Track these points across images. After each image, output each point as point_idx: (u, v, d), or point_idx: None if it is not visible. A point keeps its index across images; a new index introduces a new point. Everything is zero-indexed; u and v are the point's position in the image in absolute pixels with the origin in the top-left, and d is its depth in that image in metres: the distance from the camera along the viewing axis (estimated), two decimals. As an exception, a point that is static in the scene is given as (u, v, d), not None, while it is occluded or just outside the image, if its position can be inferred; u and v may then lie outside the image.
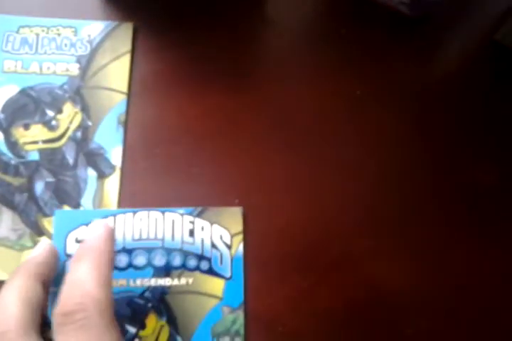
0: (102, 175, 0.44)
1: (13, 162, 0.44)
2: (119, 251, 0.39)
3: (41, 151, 0.44)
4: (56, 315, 0.30)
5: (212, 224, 0.40)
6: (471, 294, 0.44)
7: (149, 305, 0.38)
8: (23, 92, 0.45)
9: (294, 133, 0.47)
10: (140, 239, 0.39)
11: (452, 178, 0.47)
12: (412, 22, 0.51)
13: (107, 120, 0.45)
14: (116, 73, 0.47)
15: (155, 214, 0.40)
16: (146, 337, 0.37)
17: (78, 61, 0.47)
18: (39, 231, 0.42)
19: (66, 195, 0.43)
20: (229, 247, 0.40)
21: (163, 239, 0.39)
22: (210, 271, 0.39)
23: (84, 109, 0.45)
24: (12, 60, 0.46)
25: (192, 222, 0.40)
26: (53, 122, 0.45)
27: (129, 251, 0.39)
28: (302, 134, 0.47)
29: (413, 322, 0.42)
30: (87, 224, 0.40)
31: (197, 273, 0.39)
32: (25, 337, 0.29)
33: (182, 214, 0.40)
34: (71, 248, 0.39)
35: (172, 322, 0.38)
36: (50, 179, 0.43)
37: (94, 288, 0.31)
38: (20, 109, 0.45)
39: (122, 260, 0.39)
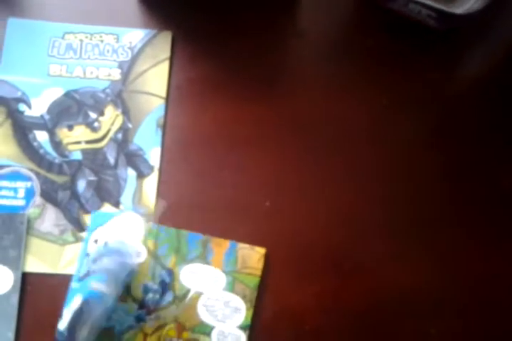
0: (141, 175, 0.46)
1: (57, 161, 0.46)
2: None
3: (84, 151, 0.46)
4: None
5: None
6: (494, 293, 0.46)
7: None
8: (68, 95, 0.48)
9: (319, 140, 0.49)
10: None
11: (470, 182, 0.48)
12: (440, 35, 0.53)
13: (147, 123, 0.47)
14: (155, 79, 0.49)
15: None
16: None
17: (120, 66, 0.49)
18: (80, 227, 0.44)
19: (107, 193, 0.46)
20: None
21: None
22: None
23: (125, 112, 0.48)
24: (57, 64, 0.49)
25: None
26: (96, 124, 0.47)
27: None
28: (327, 141, 0.49)
29: (437, 321, 0.44)
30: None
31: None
32: None
33: None
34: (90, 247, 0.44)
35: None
36: (92, 177, 0.46)
37: None
38: (64, 111, 0.47)
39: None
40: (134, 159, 0.47)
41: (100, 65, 0.49)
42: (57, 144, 0.47)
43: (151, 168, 0.47)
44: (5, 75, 0.48)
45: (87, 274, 0.42)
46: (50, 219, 0.44)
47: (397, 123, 0.50)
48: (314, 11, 0.55)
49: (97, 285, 0.39)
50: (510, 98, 0.51)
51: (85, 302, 0.38)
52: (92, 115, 0.47)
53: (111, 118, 0.48)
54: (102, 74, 0.49)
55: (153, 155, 0.47)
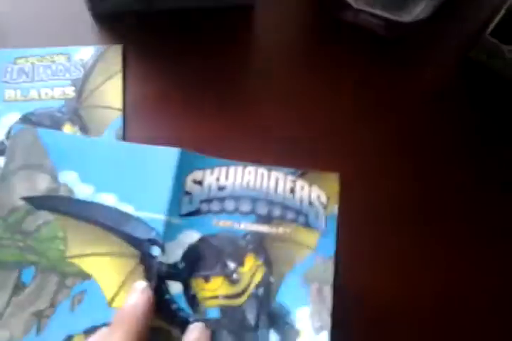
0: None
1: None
2: (227, 197, 0.42)
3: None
4: None
5: (311, 185, 0.43)
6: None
7: (249, 246, 0.41)
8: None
9: (278, 143, 0.49)
10: (247, 189, 0.43)
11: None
12: (389, 43, 0.53)
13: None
14: (110, 92, 0.49)
15: (262, 170, 0.43)
16: (244, 273, 0.40)
17: (73, 84, 0.49)
18: None
19: None
20: (324, 207, 0.43)
21: (267, 192, 0.43)
22: (306, 225, 0.42)
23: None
24: (11, 89, 0.49)
25: (293, 181, 0.43)
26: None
27: (236, 198, 0.42)
28: (286, 143, 0.49)
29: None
30: (205, 168, 0.42)
31: (294, 225, 0.42)
32: None
33: (286, 174, 0.43)
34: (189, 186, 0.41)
35: (268, 263, 0.41)
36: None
37: None
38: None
39: (230, 205, 0.42)
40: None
41: (54, 85, 0.49)
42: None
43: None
44: (-40, 106, 0.48)
45: (199, 212, 0.41)
46: None
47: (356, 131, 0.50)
48: (270, 24, 0.55)
49: (224, 223, 0.40)
50: (460, 103, 0.52)
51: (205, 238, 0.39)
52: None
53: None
54: (57, 93, 0.49)
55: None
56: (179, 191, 0.41)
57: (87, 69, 0.50)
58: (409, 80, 0.52)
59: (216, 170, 0.42)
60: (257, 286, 0.40)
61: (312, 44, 0.54)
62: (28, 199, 0.42)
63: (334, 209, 0.43)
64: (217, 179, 0.42)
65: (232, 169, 0.43)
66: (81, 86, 0.49)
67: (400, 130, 0.50)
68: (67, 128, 0.47)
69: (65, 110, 0.48)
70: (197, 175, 0.42)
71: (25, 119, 0.48)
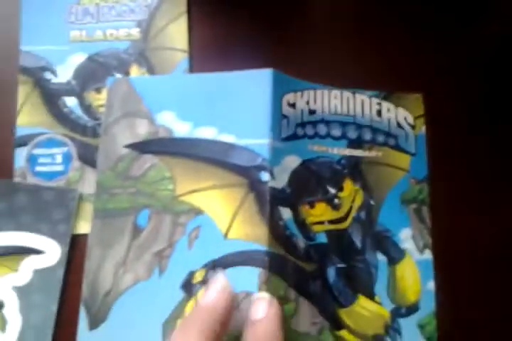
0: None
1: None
2: (319, 122, 0.42)
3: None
4: None
5: (397, 106, 0.43)
6: None
7: (345, 171, 0.41)
8: (91, 59, 0.47)
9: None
10: (335, 113, 0.42)
11: None
12: None
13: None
14: (175, 33, 0.48)
15: (347, 94, 0.43)
16: (344, 198, 0.41)
17: (138, 25, 0.49)
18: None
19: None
20: (413, 127, 0.43)
21: (354, 116, 0.43)
22: (397, 147, 0.43)
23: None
24: (77, 30, 0.48)
25: (379, 104, 0.43)
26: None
27: (327, 123, 0.42)
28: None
29: None
30: (296, 91, 0.42)
31: (385, 148, 0.42)
32: None
33: (370, 97, 0.43)
34: (285, 109, 0.41)
35: (366, 188, 0.41)
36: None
37: None
38: (90, 75, 0.47)
39: (322, 129, 0.42)
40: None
41: (119, 25, 0.49)
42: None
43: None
44: (27, 46, 0.48)
45: (296, 136, 0.41)
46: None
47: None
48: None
49: (318, 147, 0.40)
50: None
51: (306, 163, 0.38)
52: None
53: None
54: (122, 34, 0.48)
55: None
56: (278, 113, 0.41)
57: (151, 10, 0.49)
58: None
59: (305, 94, 0.42)
60: (359, 210, 0.40)
61: None
62: (131, 146, 0.42)
63: (422, 130, 0.43)
64: (307, 102, 0.42)
65: (319, 92, 0.43)
66: (146, 27, 0.49)
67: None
68: (134, 70, 0.47)
69: (132, 51, 0.48)
70: (290, 97, 0.42)
71: (92, 60, 0.48)
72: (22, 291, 0.40)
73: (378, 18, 0.49)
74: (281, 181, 0.39)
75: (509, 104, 0.46)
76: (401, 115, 0.43)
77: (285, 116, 0.41)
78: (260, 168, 0.39)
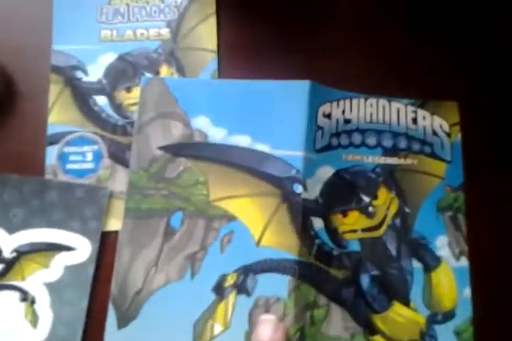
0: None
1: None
2: (354, 131, 0.43)
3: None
4: None
5: (432, 114, 0.44)
6: None
7: (380, 179, 0.42)
8: (121, 58, 0.47)
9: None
10: (371, 122, 0.43)
11: None
12: None
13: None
14: (204, 34, 0.49)
15: (383, 102, 0.44)
16: (378, 206, 0.41)
17: (168, 25, 0.49)
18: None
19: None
20: (448, 135, 0.44)
21: (390, 124, 0.43)
22: (433, 154, 0.43)
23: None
24: (107, 29, 0.49)
25: (414, 112, 0.44)
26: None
27: (362, 131, 0.43)
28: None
29: None
30: (332, 101, 0.42)
31: (421, 156, 0.43)
32: None
33: (405, 105, 0.44)
34: (320, 120, 0.42)
35: (401, 195, 0.42)
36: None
37: None
38: (120, 74, 0.47)
39: (357, 138, 0.43)
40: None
41: (149, 26, 0.49)
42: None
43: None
44: (59, 45, 0.48)
45: (330, 147, 0.41)
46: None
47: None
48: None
49: (353, 157, 0.41)
50: None
51: (339, 173, 0.39)
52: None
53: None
54: (152, 34, 0.49)
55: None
56: (313, 125, 0.41)
57: (181, 11, 0.50)
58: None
59: (341, 103, 0.43)
60: (394, 217, 0.40)
61: None
62: (166, 148, 0.43)
63: (458, 137, 0.43)
64: (343, 112, 0.43)
65: (355, 101, 0.43)
66: (176, 27, 0.49)
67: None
68: (164, 70, 0.48)
69: (161, 51, 0.48)
70: (325, 108, 0.42)
71: (122, 59, 0.48)
72: (53, 287, 0.41)
73: (412, 26, 0.49)
74: (314, 192, 0.40)
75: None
76: (436, 123, 0.44)
77: (320, 127, 0.42)
78: (294, 179, 0.40)
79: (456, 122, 0.44)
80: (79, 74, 0.48)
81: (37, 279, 0.41)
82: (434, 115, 0.44)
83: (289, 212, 0.40)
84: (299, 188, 0.40)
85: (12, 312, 0.40)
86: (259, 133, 0.42)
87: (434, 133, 0.43)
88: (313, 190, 0.40)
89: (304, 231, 0.39)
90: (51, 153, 0.45)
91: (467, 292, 0.40)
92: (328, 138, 0.42)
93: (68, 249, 0.42)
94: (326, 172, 0.41)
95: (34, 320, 0.40)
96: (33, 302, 0.40)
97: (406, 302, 0.40)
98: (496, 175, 0.44)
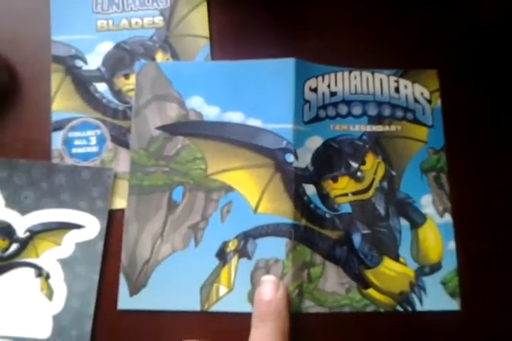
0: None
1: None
2: (340, 102, 0.46)
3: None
4: None
5: (413, 83, 0.47)
6: None
7: (367, 145, 0.45)
8: (118, 46, 0.49)
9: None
10: (356, 93, 0.46)
11: None
12: None
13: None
14: (197, 20, 0.51)
15: (366, 74, 0.47)
16: (366, 170, 0.45)
17: (161, 14, 0.51)
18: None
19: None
20: (429, 102, 0.47)
21: (374, 94, 0.46)
22: (415, 120, 0.46)
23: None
24: (103, 19, 0.51)
25: (396, 81, 0.47)
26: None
27: (347, 103, 0.46)
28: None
29: None
30: (317, 76, 0.45)
31: (404, 122, 0.46)
32: None
33: (388, 75, 0.46)
34: (307, 94, 0.45)
35: (387, 160, 0.45)
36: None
37: None
38: (118, 62, 0.49)
39: (343, 109, 0.46)
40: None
41: (143, 15, 0.51)
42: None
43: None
44: (57, 36, 0.50)
45: (318, 119, 0.44)
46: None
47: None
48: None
49: (340, 127, 0.43)
50: None
51: (327, 142, 0.42)
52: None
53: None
54: (147, 23, 0.51)
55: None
56: (300, 99, 0.44)
57: (173, 0, 0.52)
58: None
59: (326, 77, 0.45)
60: (381, 180, 0.43)
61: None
62: (163, 128, 0.45)
63: (438, 103, 0.46)
64: (329, 85, 0.45)
65: (339, 75, 0.46)
66: (169, 15, 0.51)
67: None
68: (159, 56, 0.50)
69: (156, 38, 0.51)
70: (311, 82, 0.45)
71: (119, 47, 0.50)
72: (66, 263, 0.43)
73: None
74: (305, 161, 0.43)
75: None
76: (418, 90, 0.46)
77: (307, 101, 0.44)
78: (285, 150, 0.43)
79: (436, 89, 0.47)
80: (79, 63, 0.50)
81: (50, 256, 0.44)
82: (415, 83, 0.47)
83: (282, 181, 0.43)
84: (290, 158, 0.43)
85: (29, 287, 0.43)
86: (251, 109, 0.45)
87: (416, 100, 0.46)
88: (304, 159, 0.43)
89: (298, 198, 0.42)
90: (56, 139, 0.48)
91: (452, 245, 0.43)
92: (316, 110, 0.45)
93: (78, 227, 0.44)
94: (315, 142, 0.44)
95: (49, 294, 0.43)
96: (47, 277, 0.43)
97: (395, 257, 0.43)
98: (473, 136, 0.47)
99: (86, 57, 0.50)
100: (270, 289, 0.38)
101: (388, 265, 0.42)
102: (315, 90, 0.45)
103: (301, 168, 0.43)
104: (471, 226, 0.45)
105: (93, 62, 0.50)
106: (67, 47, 0.50)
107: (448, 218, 0.44)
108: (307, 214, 0.43)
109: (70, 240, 0.44)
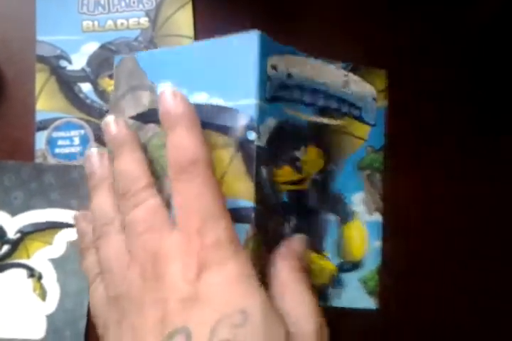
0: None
1: (105, 108, 0.49)
2: (294, 86, 0.44)
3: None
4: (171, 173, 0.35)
5: (362, 80, 0.47)
6: None
7: (311, 136, 0.44)
8: (104, 47, 0.50)
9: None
10: (308, 79, 0.44)
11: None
12: None
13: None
14: (182, 21, 0.52)
15: (320, 62, 0.45)
16: (306, 161, 0.43)
17: (147, 15, 0.52)
18: None
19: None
20: (375, 100, 0.47)
21: (325, 84, 0.45)
22: (359, 118, 0.46)
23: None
24: (89, 20, 0.51)
25: (346, 75, 0.46)
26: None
27: (301, 89, 0.44)
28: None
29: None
30: (278, 54, 0.43)
31: (348, 118, 0.45)
32: None
33: (341, 68, 0.46)
34: (269, 71, 0.42)
35: (326, 153, 0.44)
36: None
37: (199, 148, 0.36)
38: (103, 62, 0.50)
39: (296, 94, 0.44)
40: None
41: (129, 16, 0.52)
42: (101, 93, 0.49)
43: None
44: (42, 36, 0.50)
45: (276, 99, 0.42)
46: None
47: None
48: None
49: (291, 111, 0.42)
50: None
51: (280, 126, 0.41)
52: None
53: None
54: (132, 24, 0.52)
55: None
56: (264, 75, 0.42)
57: (158, 1, 0.52)
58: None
59: (286, 57, 0.44)
60: (318, 173, 0.43)
61: None
62: (135, 117, 0.44)
63: (384, 103, 0.47)
64: (286, 67, 0.44)
65: (297, 58, 0.45)
66: (154, 16, 0.52)
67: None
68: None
69: (142, 39, 0.51)
70: (273, 60, 0.43)
71: (105, 48, 0.51)
72: (58, 262, 0.43)
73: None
74: (264, 140, 0.41)
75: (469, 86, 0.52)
76: (366, 88, 0.47)
77: (269, 78, 0.42)
78: (248, 127, 0.40)
79: (383, 89, 0.47)
80: (63, 63, 0.50)
81: (42, 256, 0.43)
82: (364, 81, 0.47)
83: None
84: (252, 135, 0.40)
85: (21, 288, 0.43)
86: (215, 88, 0.42)
87: (363, 97, 0.47)
88: (264, 138, 0.41)
89: (258, 180, 0.40)
90: (40, 139, 0.48)
91: (377, 244, 0.44)
92: (275, 89, 0.42)
93: (69, 226, 0.44)
94: (271, 122, 0.42)
95: (42, 294, 0.43)
96: (40, 277, 0.43)
97: (320, 251, 0.42)
98: (413, 140, 0.50)
99: (71, 57, 0.50)
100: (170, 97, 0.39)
101: (312, 258, 0.42)
102: (275, 68, 0.43)
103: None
104: (400, 227, 0.47)
105: (78, 62, 0.50)
106: (52, 47, 0.50)
107: (377, 217, 0.45)
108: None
109: (62, 239, 0.44)
